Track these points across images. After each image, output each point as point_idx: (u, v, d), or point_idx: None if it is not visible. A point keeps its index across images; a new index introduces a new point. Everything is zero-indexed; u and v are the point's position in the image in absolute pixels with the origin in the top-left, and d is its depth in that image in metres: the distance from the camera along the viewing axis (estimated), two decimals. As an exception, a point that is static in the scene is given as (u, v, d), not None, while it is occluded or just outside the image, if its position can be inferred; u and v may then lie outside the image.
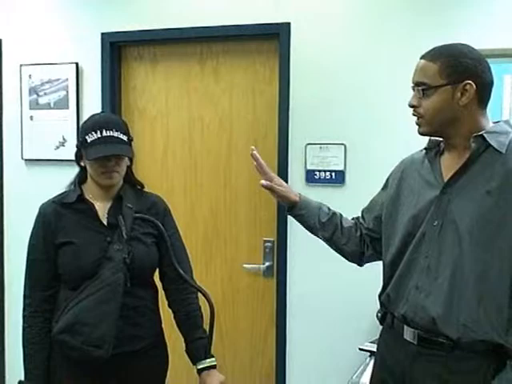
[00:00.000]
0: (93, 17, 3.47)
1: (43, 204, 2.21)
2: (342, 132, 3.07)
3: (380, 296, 2.05)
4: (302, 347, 3.19)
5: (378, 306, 2.05)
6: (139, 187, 2.31)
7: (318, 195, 3.08)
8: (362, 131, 3.03)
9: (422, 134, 1.87)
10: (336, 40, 3.07)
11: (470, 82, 1.77)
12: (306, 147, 3.13)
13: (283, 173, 3.16)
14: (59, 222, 2.13)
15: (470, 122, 1.81)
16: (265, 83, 3.31)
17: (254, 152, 2.22)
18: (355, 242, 2.17)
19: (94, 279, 2.04)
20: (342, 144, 3.06)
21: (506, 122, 1.88)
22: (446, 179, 1.84)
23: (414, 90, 1.85)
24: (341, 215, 2.21)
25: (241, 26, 3.20)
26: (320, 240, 2.22)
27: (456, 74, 1.78)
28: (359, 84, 3.03)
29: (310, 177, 3.14)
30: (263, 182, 2.19)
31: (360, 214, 2.22)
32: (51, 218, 2.15)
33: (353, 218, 2.23)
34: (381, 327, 2.07)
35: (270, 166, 3.20)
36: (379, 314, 2.06)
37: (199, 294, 2.28)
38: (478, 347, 1.74)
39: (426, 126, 1.84)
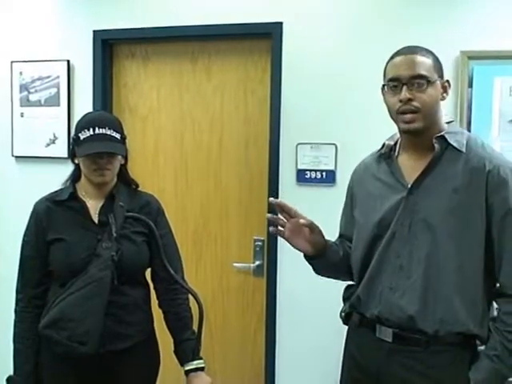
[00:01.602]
0: (85, 14, 3.46)
1: (37, 201, 2.22)
2: (333, 132, 3.08)
3: (348, 298, 2.07)
4: (292, 346, 3.20)
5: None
6: (134, 186, 2.31)
7: (309, 195, 3.12)
8: (353, 131, 3.04)
9: (415, 130, 1.86)
10: (328, 40, 3.08)
11: (447, 79, 1.88)
12: (297, 147, 3.14)
13: (274, 172, 3.17)
14: (51, 220, 2.14)
15: (439, 118, 1.90)
16: (256, 82, 3.31)
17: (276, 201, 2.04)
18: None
19: (81, 276, 2.05)
20: (333, 144, 3.07)
21: (455, 122, 1.99)
22: (410, 180, 1.89)
23: (406, 84, 1.84)
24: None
25: (233, 25, 3.20)
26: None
27: (441, 70, 1.89)
28: (351, 84, 3.04)
29: (301, 176, 3.15)
30: (303, 221, 1.96)
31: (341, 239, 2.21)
32: (43, 215, 2.15)
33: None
34: None
35: (260, 165, 3.26)
36: (343, 314, 2.09)
37: (189, 295, 2.28)
38: (454, 339, 1.81)
39: (422, 120, 1.84)
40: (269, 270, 3.25)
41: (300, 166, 3.15)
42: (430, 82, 1.83)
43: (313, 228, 1.98)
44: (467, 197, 1.80)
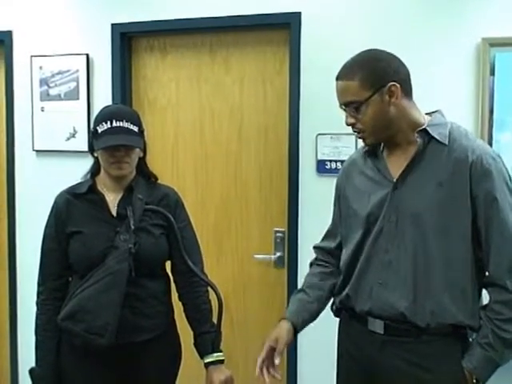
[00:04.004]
0: (103, 8, 3.47)
1: (57, 195, 2.23)
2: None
3: (337, 295, 2.05)
4: (313, 337, 3.18)
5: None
6: (153, 179, 2.31)
7: (329, 185, 3.06)
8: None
9: (369, 144, 1.92)
10: (346, 29, 3.05)
11: (392, 83, 1.81)
12: (316, 137, 3.12)
13: (294, 163, 3.16)
14: (70, 212, 2.15)
15: (406, 116, 1.86)
16: (275, 73, 3.29)
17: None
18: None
19: (99, 268, 2.06)
20: (353, 134, 3.02)
21: (439, 112, 1.94)
22: (395, 176, 1.88)
23: (344, 110, 1.88)
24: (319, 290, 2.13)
25: (251, 15, 3.19)
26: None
27: (377, 81, 1.82)
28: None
29: (321, 167, 3.13)
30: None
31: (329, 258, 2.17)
32: (63, 208, 2.17)
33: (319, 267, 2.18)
34: None
35: (280, 156, 3.24)
36: (334, 307, 2.09)
37: (209, 288, 2.28)
38: (445, 330, 1.82)
39: (370, 137, 1.88)
40: (290, 262, 3.24)
41: (320, 157, 3.12)
42: (362, 103, 1.82)
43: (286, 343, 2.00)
44: (452, 189, 1.79)
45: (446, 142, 1.83)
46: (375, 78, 1.83)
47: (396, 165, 1.89)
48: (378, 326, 1.88)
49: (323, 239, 2.21)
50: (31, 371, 2.18)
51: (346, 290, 1.99)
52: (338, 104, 3.02)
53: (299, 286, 3.14)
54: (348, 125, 1.89)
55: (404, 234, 1.84)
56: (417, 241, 1.82)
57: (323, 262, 2.16)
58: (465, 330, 1.84)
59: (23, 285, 3.73)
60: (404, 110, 1.85)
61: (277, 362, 1.94)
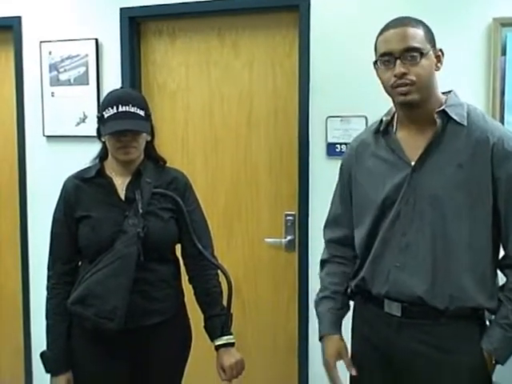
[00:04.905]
0: (111, -8, 3.46)
1: (66, 179, 2.23)
2: (363, 104, 3.02)
3: (352, 279, 2.03)
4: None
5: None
6: (161, 162, 2.30)
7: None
8: (384, 103, 2.93)
9: (412, 101, 1.81)
10: (356, 11, 3.01)
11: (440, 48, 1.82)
12: (326, 120, 3.09)
13: (304, 146, 3.14)
14: (79, 197, 2.16)
15: (435, 90, 1.85)
16: (285, 56, 3.27)
17: None
18: None
19: (108, 252, 2.06)
20: (364, 116, 3.01)
21: (453, 92, 1.91)
22: (412, 157, 1.84)
23: (399, 58, 1.79)
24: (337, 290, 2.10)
25: (260, -2, 3.16)
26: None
27: (433, 40, 1.83)
28: (380, 55, 2.98)
29: (331, 150, 3.11)
30: None
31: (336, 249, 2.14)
32: (71, 192, 2.17)
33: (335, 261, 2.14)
34: None
35: (290, 140, 3.23)
36: (349, 290, 2.06)
37: (219, 271, 2.28)
38: (464, 312, 1.79)
39: (417, 92, 1.79)
40: (300, 245, 3.23)
41: (330, 140, 3.11)
42: (423, 54, 1.78)
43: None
44: (472, 171, 1.77)
45: (465, 123, 1.80)
46: (432, 36, 1.84)
47: (412, 146, 1.86)
48: (394, 308, 1.86)
49: (331, 228, 2.14)
50: (42, 354, 2.20)
51: (362, 274, 1.96)
52: (347, 86, 3.02)
53: (310, 269, 3.17)
54: (399, 75, 1.79)
55: (422, 216, 1.81)
56: (436, 223, 1.79)
57: (341, 259, 2.10)
58: (482, 312, 1.82)
59: (35, 269, 3.76)
60: (436, 83, 1.84)
61: (353, 373, 1.94)
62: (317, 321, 2.10)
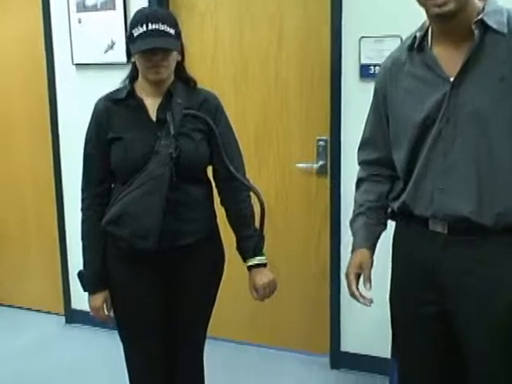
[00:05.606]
0: None
1: (97, 101, 2.21)
2: (397, 23, 2.92)
3: (394, 200, 1.97)
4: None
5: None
6: (192, 83, 2.26)
7: (373, 90, 3.00)
8: (419, 22, 2.87)
9: (449, 12, 1.68)
10: None
11: None
12: (360, 40, 3.01)
13: (336, 68, 3.07)
14: (110, 118, 2.14)
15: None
16: (316, -26, 3.16)
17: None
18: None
19: (140, 173, 2.05)
20: (398, 36, 2.92)
21: None
22: (450, 73, 1.74)
23: None
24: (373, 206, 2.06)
25: None
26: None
27: None
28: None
29: (365, 71, 3.03)
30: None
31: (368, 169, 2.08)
32: (102, 113, 2.15)
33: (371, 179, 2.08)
34: None
35: (322, 61, 3.15)
36: (390, 211, 2.02)
37: (251, 193, 2.27)
38: None
39: (453, 2, 1.67)
40: (332, 170, 3.21)
41: (363, 61, 3.03)
42: None
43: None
44: None
45: (505, 31, 1.69)
46: None
47: (450, 61, 1.76)
48: (440, 226, 1.81)
49: (365, 149, 2.09)
50: (79, 274, 2.24)
51: (403, 197, 1.90)
52: (381, 5, 2.91)
53: (342, 194, 3.15)
54: None
55: (464, 135, 1.73)
56: (479, 142, 1.71)
57: (376, 178, 2.05)
58: None
59: (68, 193, 3.82)
60: None
61: (367, 287, 1.92)
62: (348, 247, 2.09)
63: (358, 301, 1.94)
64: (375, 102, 2.04)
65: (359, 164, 2.14)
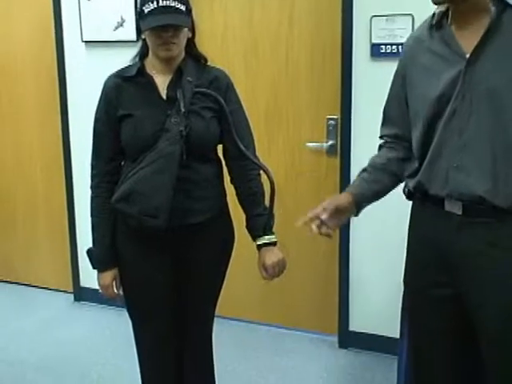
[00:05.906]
0: None
1: (106, 78, 2.20)
2: (408, 2, 2.90)
3: (410, 178, 1.94)
4: (366, 225, 3.18)
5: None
6: (202, 61, 2.25)
7: (384, 70, 2.95)
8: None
9: None
10: None
11: None
12: (371, 19, 2.99)
13: (347, 47, 3.05)
14: (120, 96, 2.13)
15: None
16: (328, -48, 3.12)
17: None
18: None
19: (150, 151, 2.05)
20: (410, 15, 2.90)
21: None
22: (468, 50, 1.72)
23: None
24: (376, 165, 2.04)
25: None
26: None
27: None
28: None
29: (376, 51, 3.01)
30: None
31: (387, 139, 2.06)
32: (112, 91, 2.14)
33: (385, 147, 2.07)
34: None
35: (333, 40, 3.13)
36: (406, 190, 1.99)
37: (261, 171, 2.26)
38: None
39: None
40: (342, 150, 3.20)
41: (374, 40, 3.00)
42: None
43: (340, 208, 1.91)
44: None
45: None
46: None
47: (468, 39, 1.73)
48: (456, 207, 1.79)
49: (382, 125, 2.08)
50: (88, 251, 2.25)
51: (418, 177, 1.88)
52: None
53: (352, 174, 3.14)
54: None
55: (480, 113, 1.71)
56: (495, 120, 1.69)
57: (393, 144, 2.03)
58: None
59: (78, 171, 3.84)
60: None
61: (323, 216, 1.86)
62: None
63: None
64: (397, 80, 2.01)
65: (379, 137, 2.12)
